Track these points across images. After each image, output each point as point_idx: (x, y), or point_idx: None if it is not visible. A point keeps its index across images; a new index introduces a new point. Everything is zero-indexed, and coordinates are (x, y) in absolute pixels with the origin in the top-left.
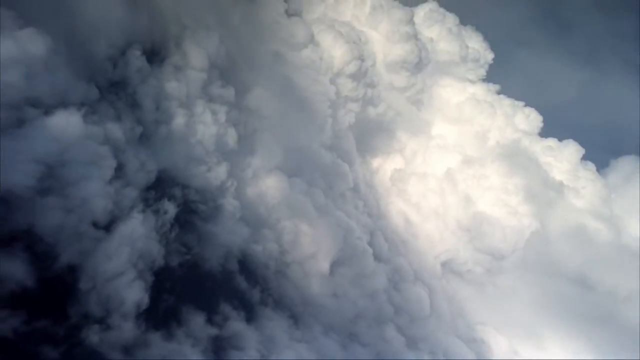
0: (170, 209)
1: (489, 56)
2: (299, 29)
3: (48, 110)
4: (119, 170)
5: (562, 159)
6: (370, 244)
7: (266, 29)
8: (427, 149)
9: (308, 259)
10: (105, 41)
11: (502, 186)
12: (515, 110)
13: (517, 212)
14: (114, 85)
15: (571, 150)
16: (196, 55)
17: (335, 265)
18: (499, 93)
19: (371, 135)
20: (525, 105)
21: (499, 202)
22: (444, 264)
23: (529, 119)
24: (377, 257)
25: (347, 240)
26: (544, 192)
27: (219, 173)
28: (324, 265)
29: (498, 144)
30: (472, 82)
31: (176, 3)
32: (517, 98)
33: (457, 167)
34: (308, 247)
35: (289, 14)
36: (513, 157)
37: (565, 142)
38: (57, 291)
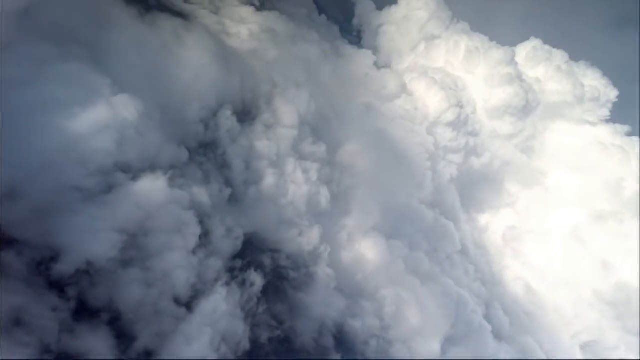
0: (257, 280)
1: (612, 94)
2: (390, 80)
3: (136, 175)
4: (204, 237)
5: None
6: (487, 317)
7: (356, 82)
8: (544, 203)
9: (414, 336)
10: (198, 103)
11: None
12: None
13: None
14: (203, 147)
15: None
16: (286, 113)
17: (447, 344)
18: (629, 135)
19: (476, 188)
20: None
21: None
22: (584, 347)
23: None
24: (497, 335)
25: (459, 313)
26: None
27: (311, 237)
28: (433, 344)
29: (638, 195)
30: (593, 124)
31: (266, 62)
32: None
33: (586, 224)
34: (413, 321)
35: (378, 66)
36: None
37: None
38: None
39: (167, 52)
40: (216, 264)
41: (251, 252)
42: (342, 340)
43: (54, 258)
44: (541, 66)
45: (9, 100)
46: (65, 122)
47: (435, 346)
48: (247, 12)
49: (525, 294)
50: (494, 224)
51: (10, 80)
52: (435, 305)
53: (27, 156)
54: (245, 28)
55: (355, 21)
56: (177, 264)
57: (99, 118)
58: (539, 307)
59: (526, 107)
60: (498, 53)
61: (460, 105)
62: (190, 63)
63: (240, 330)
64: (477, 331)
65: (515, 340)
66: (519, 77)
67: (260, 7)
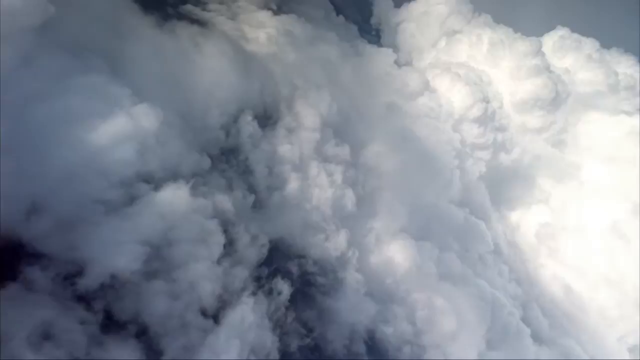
0: (285, 288)
1: None
2: (412, 78)
3: (158, 185)
4: (228, 246)
5: None
6: (525, 320)
7: (377, 81)
8: (580, 197)
9: (448, 341)
10: (218, 110)
11: None
12: None
13: None
14: (225, 153)
15: None
16: (308, 115)
17: (483, 348)
18: None
19: (507, 185)
20: None
21: None
22: (632, 350)
23: None
24: (537, 338)
25: (495, 316)
26: None
27: (338, 242)
28: (469, 349)
29: None
30: (629, 113)
31: (286, 65)
32: None
33: (626, 218)
34: (447, 326)
35: (399, 64)
36: None
37: None
38: None
39: (186, 60)
40: (242, 273)
41: (277, 260)
42: (374, 346)
43: (79, 272)
44: (570, 56)
45: (30, 114)
46: (86, 134)
47: (471, 351)
48: (264, 16)
49: (564, 294)
50: (526, 222)
51: (31, 94)
52: (470, 308)
53: (49, 169)
54: (263, 32)
55: (373, 20)
56: (202, 274)
57: (119, 129)
58: (579, 308)
59: (556, 99)
60: (523, 44)
61: (486, 100)
62: (210, 70)
63: (269, 340)
64: (515, 334)
65: (556, 343)
66: (546, 69)
67: (278, 11)
